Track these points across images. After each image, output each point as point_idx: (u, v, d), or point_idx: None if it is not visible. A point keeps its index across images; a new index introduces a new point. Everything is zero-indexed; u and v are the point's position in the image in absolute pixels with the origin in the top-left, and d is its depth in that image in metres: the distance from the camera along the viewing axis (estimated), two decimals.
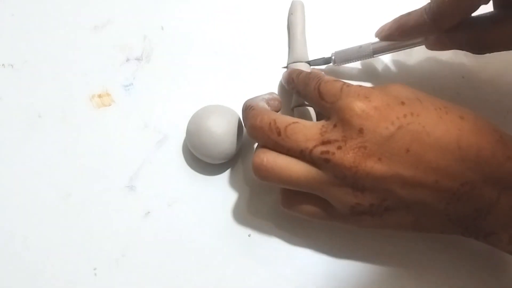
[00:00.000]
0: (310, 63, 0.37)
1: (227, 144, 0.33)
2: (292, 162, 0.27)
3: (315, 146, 0.26)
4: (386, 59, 0.39)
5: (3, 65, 0.39)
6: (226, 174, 0.35)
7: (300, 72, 0.32)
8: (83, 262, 0.33)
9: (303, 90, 0.31)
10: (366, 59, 0.37)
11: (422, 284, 0.32)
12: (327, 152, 0.26)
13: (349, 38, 0.37)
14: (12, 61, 0.39)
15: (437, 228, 0.28)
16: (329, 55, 0.37)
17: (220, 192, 0.35)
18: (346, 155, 0.26)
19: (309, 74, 0.31)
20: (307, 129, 0.27)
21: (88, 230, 0.34)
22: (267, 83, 0.38)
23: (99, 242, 0.33)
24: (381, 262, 0.32)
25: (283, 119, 0.28)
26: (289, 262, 0.33)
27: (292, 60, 0.38)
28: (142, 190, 0.35)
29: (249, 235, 0.34)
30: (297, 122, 0.28)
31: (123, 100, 0.38)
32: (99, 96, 0.38)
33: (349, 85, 0.28)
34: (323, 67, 0.39)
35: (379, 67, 0.39)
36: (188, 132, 0.34)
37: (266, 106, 0.31)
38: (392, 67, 0.39)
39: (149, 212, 0.34)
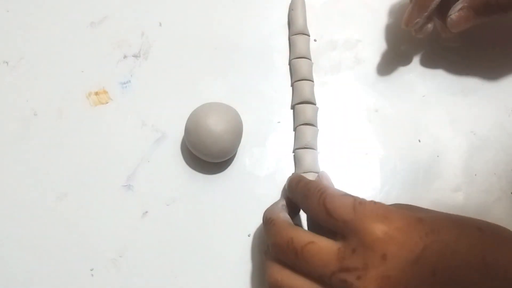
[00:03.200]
0: None
1: (226, 142, 0.32)
2: (309, 287, 0.25)
3: (333, 273, 0.24)
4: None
5: None
6: (225, 173, 0.35)
7: (299, 180, 0.30)
8: (80, 263, 0.33)
9: (303, 203, 0.28)
10: None
11: None
12: (345, 281, 0.24)
13: (350, 34, 0.37)
14: (7, 58, 0.38)
15: None
16: None
17: (219, 191, 0.34)
18: (368, 287, 0.23)
19: (308, 184, 0.28)
20: (324, 251, 0.25)
21: (84, 230, 0.33)
22: (267, 81, 0.38)
23: (96, 243, 0.33)
24: None
25: (300, 238, 0.26)
26: None
27: (294, 56, 0.37)
28: (140, 189, 0.34)
29: (248, 235, 0.33)
30: (312, 242, 0.25)
31: (120, 98, 0.37)
32: (96, 93, 0.37)
33: (361, 201, 0.25)
34: None
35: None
36: (187, 130, 0.33)
37: (286, 216, 0.29)
38: None
39: (146, 212, 0.34)
